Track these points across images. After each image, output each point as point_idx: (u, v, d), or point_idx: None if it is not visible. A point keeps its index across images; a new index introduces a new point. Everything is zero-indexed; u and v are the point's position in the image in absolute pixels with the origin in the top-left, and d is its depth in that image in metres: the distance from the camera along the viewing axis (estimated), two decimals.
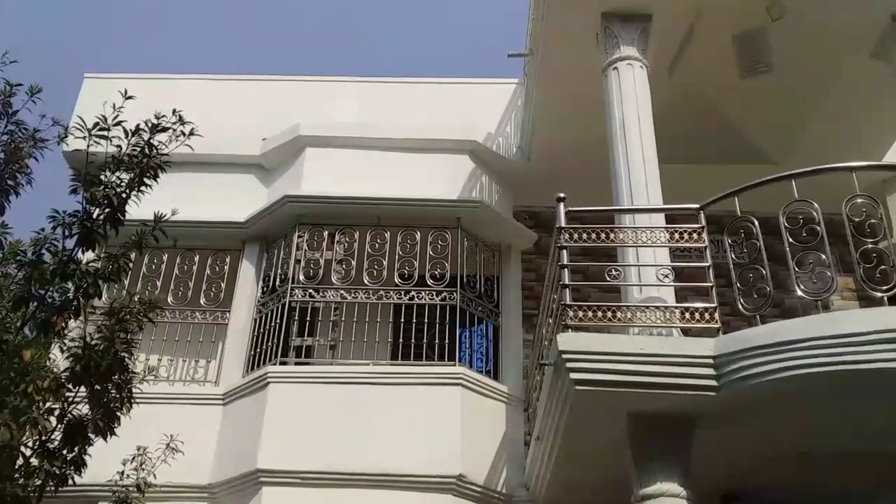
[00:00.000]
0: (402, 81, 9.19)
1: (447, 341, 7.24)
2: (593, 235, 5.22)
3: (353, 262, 7.58)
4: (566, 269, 5.09)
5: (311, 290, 7.53)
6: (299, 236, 7.76)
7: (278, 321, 7.44)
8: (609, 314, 4.93)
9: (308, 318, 7.46)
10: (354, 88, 9.14)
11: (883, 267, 4.49)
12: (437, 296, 7.43)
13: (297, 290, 7.52)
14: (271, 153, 8.45)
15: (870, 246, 4.57)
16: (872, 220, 4.60)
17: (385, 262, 7.52)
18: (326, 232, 7.76)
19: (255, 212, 8.07)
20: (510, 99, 9.02)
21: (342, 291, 7.50)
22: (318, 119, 8.45)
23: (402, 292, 7.46)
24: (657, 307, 4.95)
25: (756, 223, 4.85)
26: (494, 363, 7.75)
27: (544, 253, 7.53)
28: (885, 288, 4.43)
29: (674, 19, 6.45)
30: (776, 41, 6.82)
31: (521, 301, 8.09)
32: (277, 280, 7.75)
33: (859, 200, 4.69)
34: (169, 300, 7.68)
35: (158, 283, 7.81)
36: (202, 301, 7.87)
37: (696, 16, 6.53)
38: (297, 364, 7.31)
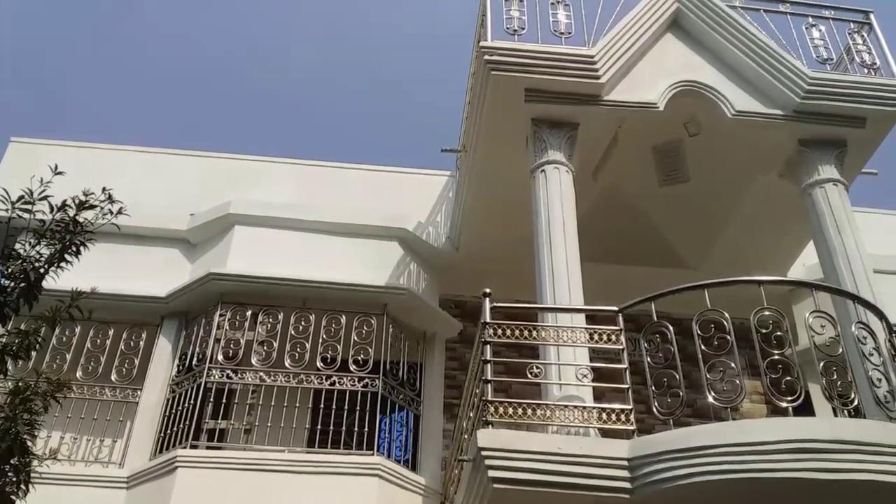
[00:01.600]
0: (336, 166, 9.32)
1: (366, 429, 7.13)
2: (517, 332, 5.32)
3: (276, 344, 7.44)
4: (489, 365, 5.14)
5: (228, 371, 7.35)
6: (221, 315, 7.62)
7: (192, 402, 7.19)
8: (529, 411, 4.97)
9: (224, 400, 7.23)
10: (288, 170, 9.20)
11: (788, 378, 4.71)
12: (358, 382, 7.35)
13: (214, 371, 7.33)
14: (199, 229, 8.36)
15: (776, 356, 4.80)
16: (778, 333, 4.84)
17: (308, 346, 7.43)
18: (250, 312, 7.64)
19: (177, 287, 7.90)
20: (442, 190, 9.24)
21: (262, 374, 7.34)
22: (249, 198, 8.45)
23: (324, 377, 7.35)
24: (576, 406, 5.03)
25: (670, 328, 5.04)
26: (413, 453, 7.66)
27: (468, 342, 7.59)
28: (789, 399, 4.64)
29: (599, 128, 6.79)
30: (693, 154, 7.27)
31: (443, 390, 8.09)
32: (195, 359, 7.54)
33: (767, 312, 4.95)
34: (78, 375, 7.38)
35: (68, 356, 7.51)
36: (113, 377, 7.56)
37: (619, 126, 6.89)
38: (208, 448, 7.04)
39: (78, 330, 7.59)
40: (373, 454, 6.99)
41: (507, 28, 6.75)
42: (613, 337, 5.24)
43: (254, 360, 7.38)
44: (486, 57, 6.49)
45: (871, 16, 7.33)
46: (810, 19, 7.21)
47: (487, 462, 4.65)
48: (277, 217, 8.23)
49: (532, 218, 6.32)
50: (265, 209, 8.29)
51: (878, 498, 4.51)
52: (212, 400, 7.21)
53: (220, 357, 7.40)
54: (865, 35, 7.25)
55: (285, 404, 7.19)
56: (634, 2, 6.93)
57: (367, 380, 7.36)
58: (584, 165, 6.91)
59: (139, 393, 7.54)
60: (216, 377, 7.30)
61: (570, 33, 6.77)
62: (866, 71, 6.98)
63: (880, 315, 5.39)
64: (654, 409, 4.86)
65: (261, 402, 7.24)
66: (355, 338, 7.52)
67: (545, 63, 6.50)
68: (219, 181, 8.90)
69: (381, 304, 7.81)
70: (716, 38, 6.88)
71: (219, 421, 7.19)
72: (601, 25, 6.75)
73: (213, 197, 8.45)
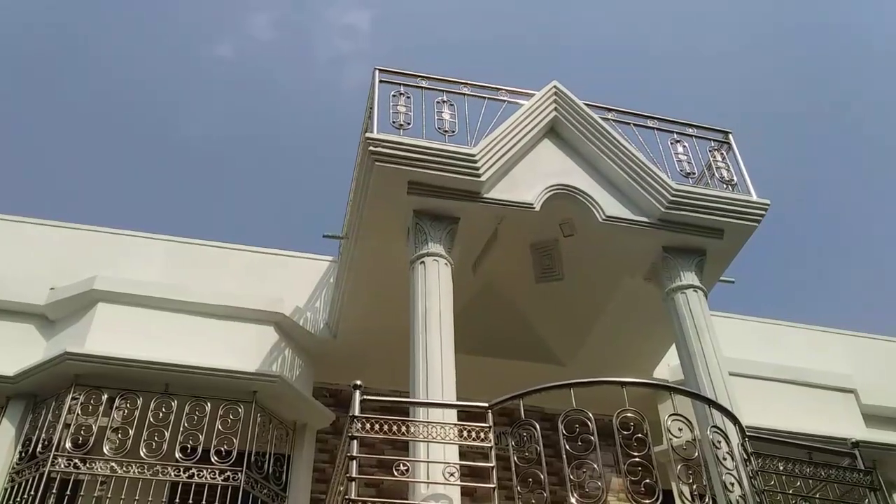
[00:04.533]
0: (212, 245, 9.05)
1: None
2: (385, 427, 5.21)
3: (131, 432, 6.96)
4: (355, 461, 5.00)
5: (76, 461, 6.79)
6: (73, 398, 7.08)
7: (33, 493, 6.57)
8: None
9: (69, 492, 6.67)
10: (159, 246, 8.87)
11: (647, 480, 4.80)
12: (219, 475, 6.94)
13: (60, 459, 6.75)
14: (58, 304, 7.86)
15: (637, 458, 4.90)
16: (640, 435, 4.96)
17: (167, 434, 6.97)
18: (106, 396, 7.14)
19: (28, 366, 7.32)
20: (323, 275, 9.14)
21: (113, 464, 6.81)
22: (116, 274, 8.05)
23: (182, 469, 6.91)
24: None
25: (537, 427, 5.07)
26: None
27: (341, 433, 7.36)
28: (648, 501, 4.71)
29: (479, 224, 6.96)
30: (568, 254, 7.52)
31: (311, 484, 7.76)
32: (39, 445, 6.95)
33: (629, 414, 5.08)
34: None
35: None
36: None
37: (499, 223, 7.07)
38: None
39: None
40: None
41: (394, 122, 6.91)
42: (482, 434, 5.22)
43: (105, 449, 6.86)
44: (371, 148, 6.59)
45: (731, 136, 7.96)
46: (675, 135, 7.75)
47: None
48: (145, 295, 7.85)
49: (409, 312, 6.31)
50: (132, 287, 7.90)
51: None
52: (55, 491, 6.63)
53: (68, 444, 6.84)
54: (725, 153, 7.84)
55: (137, 498, 6.68)
56: (515, 107, 7.27)
57: (228, 472, 6.97)
58: (463, 259, 7.02)
59: None
60: (62, 466, 6.73)
61: (453, 132, 6.99)
62: (725, 186, 7.51)
63: (734, 420, 5.63)
64: None
65: (110, 496, 6.69)
66: (220, 427, 7.14)
67: (428, 158, 6.65)
68: (83, 254, 8.46)
69: (251, 392, 7.49)
70: (590, 147, 7.27)
71: None
72: (483, 127, 7.03)
73: (76, 271, 8.00)
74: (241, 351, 7.80)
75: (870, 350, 10.52)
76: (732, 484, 5.15)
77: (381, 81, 7.22)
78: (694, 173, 7.58)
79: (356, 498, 4.79)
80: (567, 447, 4.95)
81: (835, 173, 24.72)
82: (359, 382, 5.41)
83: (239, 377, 7.48)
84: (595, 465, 4.89)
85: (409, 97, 7.15)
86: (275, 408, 7.70)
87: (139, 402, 7.10)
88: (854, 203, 24.49)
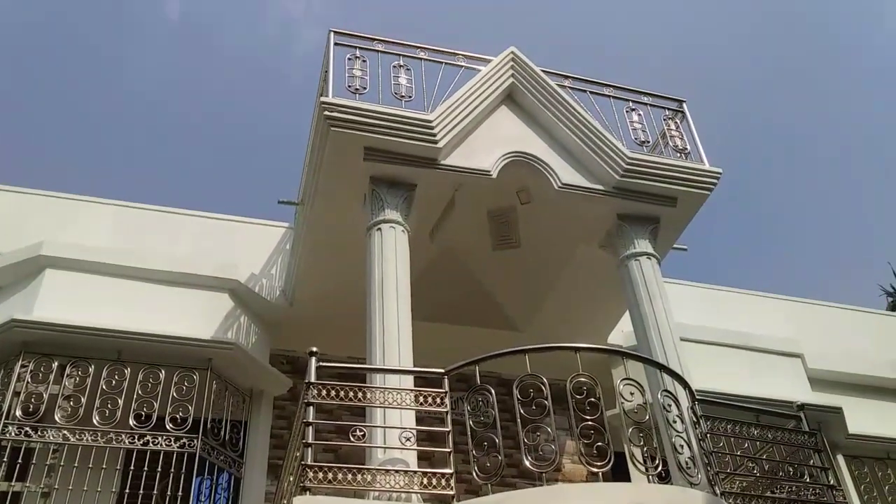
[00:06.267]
0: (164, 210, 8.88)
1: (181, 493, 6.69)
2: (342, 393, 5.23)
3: (84, 400, 6.86)
4: (311, 427, 5.01)
5: (27, 428, 6.68)
6: (23, 366, 6.94)
7: None
8: (350, 476, 4.87)
9: (20, 461, 6.56)
10: (108, 211, 8.67)
11: (600, 443, 4.91)
12: (175, 442, 6.90)
13: (11, 427, 6.64)
14: (4, 270, 7.64)
15: (589, 421, 5.00)
16: (592, 399, 5.06)
17: (121, 402, 6.88)
18: (56, 363, 7.02)
19: None
20: (279, 242, 9.05)
21: (66, 431, 6.72)
22: (64, 239, 7.86)
23: (137, 436, 6.84)
24: (398, 471, 4.98)
25: (492, 392, 5.14)
26: None
27: (299, 399, 7.35)
28: (599, 463, 4.83)
29: (436, 191, 6.93)
30: (524, 221, 7.57)
31: (269, 450, 7.77)
32: None
33: (582, 378, 5.17)
34: None
35: None
36: None
37: (456, 190, 7.06)
38: None
39: None
40: None
41: (350, 86, 6.81)
42: (439, 399, 5.27)
43: (57, 417, 6.75)
44: (327, 113, 6.50)
45: (685, 105, 8.03)
46: (631, 103, 7.79)
47: None
48: (95, 262, 7.67)
49: (365, 279, 6.29)
50: (81, 252, 7.71)
51: None
52: (6, 460, 6.52)
53: (18, 412, 6.72)
54: (679, 122, 7.92)
55: (90, 466, 6.60)
56: (473, 73, 7.22)
57: (184, 440, 6.93)
58: (421, 226, 7.01)
59: None
60: (13, 434, 6.62)
61: (410, 97, 6.92)
62: (678, 155, 7.60)
63: (684, 384, 5.77)
64: (475, 473, 4.91)
65: (62, 464, 6.61)
66: (174, 394, 7.07)
67: (385, 124, 6.58)
68: (29, 219, 8.24)
69: (206, 359, 7.42)
70: (546, 114, 7.27)
71: (13, 483, 6.50)
72: (441, 92, 6.97)
73: (21, 236, 7.79)
74: (196, 318, 7.71)
75: (813, 315, 10.85)
76: (682, 446, 5.29)
77: (336, 44, 7.09)
78: (648, 142, 7.63)
79: (312, 463, 4.81)
80: (522, 411, 5.03)
81: (783, 144, 25.22)
82: (315, 349, 5.41)
83: (194, 344, 7.40)
84: (549, 429, 4.97)
85: (365, 61, 7.04)
86: (231, 375, 7.65)
87: (91, 369, 7.01)
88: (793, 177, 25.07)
